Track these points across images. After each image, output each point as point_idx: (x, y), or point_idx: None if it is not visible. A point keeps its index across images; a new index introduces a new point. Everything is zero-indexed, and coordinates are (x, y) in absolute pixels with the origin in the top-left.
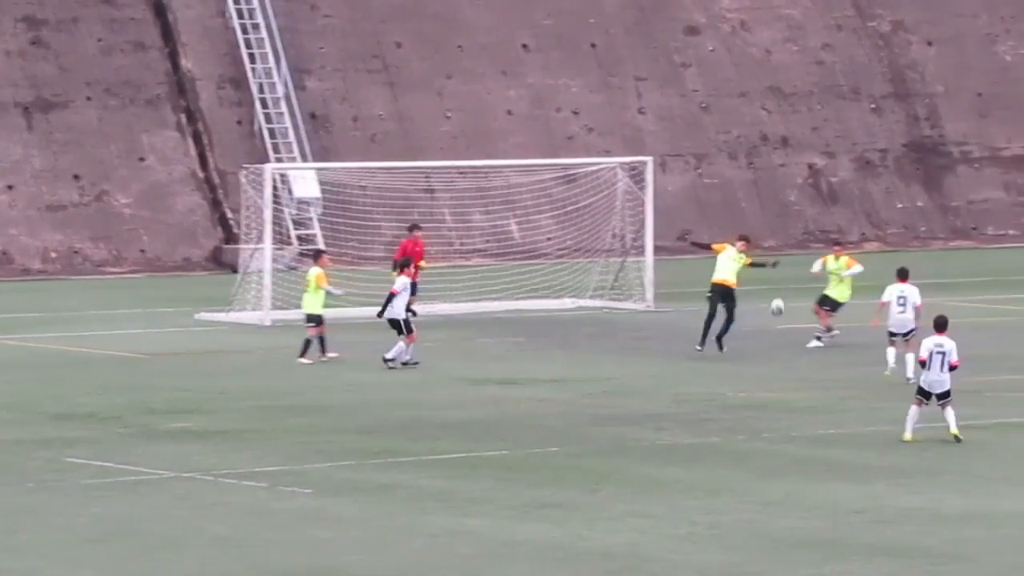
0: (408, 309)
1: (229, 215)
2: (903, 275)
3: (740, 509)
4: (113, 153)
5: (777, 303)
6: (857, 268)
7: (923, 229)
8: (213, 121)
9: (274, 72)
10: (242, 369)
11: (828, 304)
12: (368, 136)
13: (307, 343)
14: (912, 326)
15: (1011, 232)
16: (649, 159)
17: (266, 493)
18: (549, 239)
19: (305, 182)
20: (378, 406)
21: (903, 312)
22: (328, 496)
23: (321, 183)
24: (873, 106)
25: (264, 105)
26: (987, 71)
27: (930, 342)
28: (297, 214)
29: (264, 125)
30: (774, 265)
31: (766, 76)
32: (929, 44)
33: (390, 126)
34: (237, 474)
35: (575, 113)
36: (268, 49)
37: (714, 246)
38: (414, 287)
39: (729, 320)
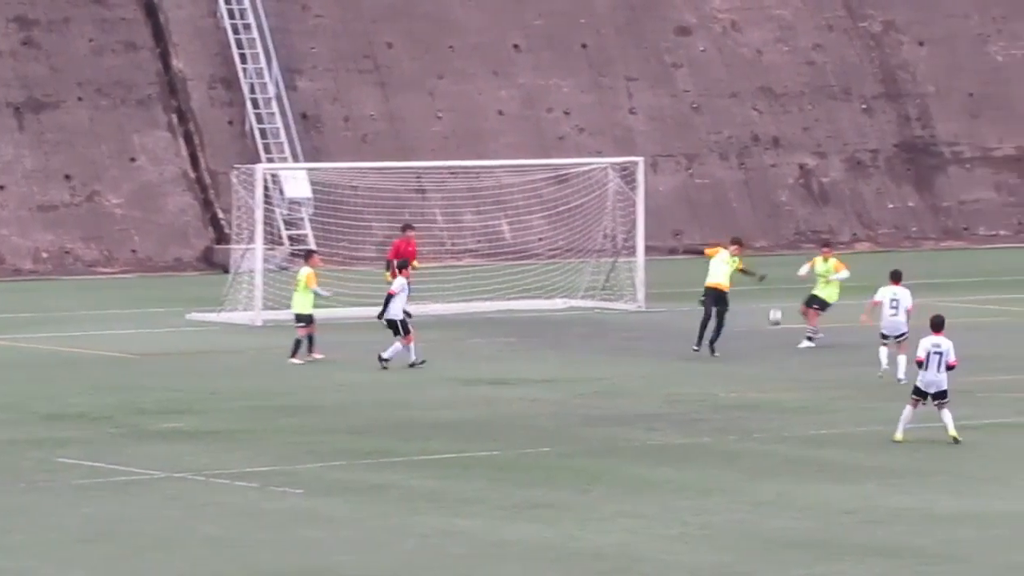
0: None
1: (220, 215)
2: (896, 277)
3: (731, 509)
4: (104, 153)
5: (775, 314)
6: (844, 273)
7: (914, 229)
8: (204, 121)
9: (265, 72)
10: (233, 369)
11: (817, 303)
12: (359, 136)
13: (297, 343)
14: (904, 329)
15: (1002, 232)
16: (640, 159)
17: (257, 493)
18: (540, 239)
19: (296, 182)
20: (369, 406)
21: (895, 315)
22: (319, 496)
23: (312, 183)
24: (864, 106)
25: (255, 105)
26: (978, 71)
27: (927, 342)
28: (288, 214)
29: (255, 125)
30: (761, 279)
31: (757, 76)
32: (920, 44)
33: (381, 126)
34: (228, 474)
35: (566, 113)
36: (259, 49)
37: (707, 251)
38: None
39: (720, 326)
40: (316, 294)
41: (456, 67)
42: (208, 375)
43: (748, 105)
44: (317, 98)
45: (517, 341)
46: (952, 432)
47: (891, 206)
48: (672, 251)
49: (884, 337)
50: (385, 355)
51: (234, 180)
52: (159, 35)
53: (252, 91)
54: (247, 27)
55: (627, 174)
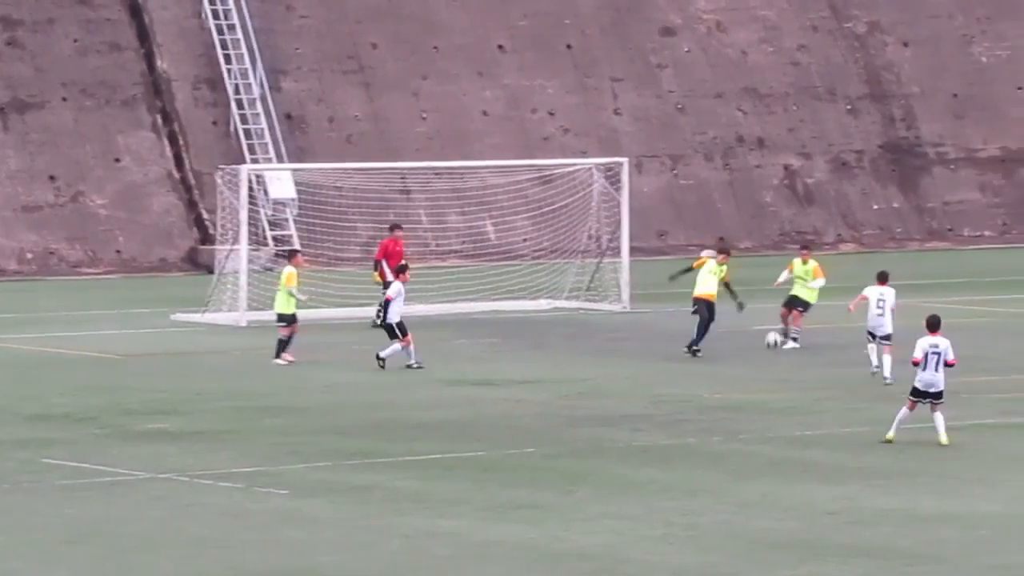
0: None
1: (205, 216)
2: (883, 278)
3: (717, 510)
4: (89, 154)
5: (772, 336)
6: (821, 281)
7: (899, 230)
8: (189, 122)
9: (250, 73)
10: (218, 370)
11: (800, 305)
12: (344, 137)
13: (281, 343)
14: (889, 330)
15: (987, 233)
16: (625, 160)
17: (242, 494)
18: (525, 240)
19: (281, 183)
20: (354, 407)
21: (881, 315)
22: (304, 497)
23: (297, 184)
24: (849, 107)
25: (240, 106)
26: (963, 72)
27: (924, 342)
28: (273, 215)
29: (240, 126)
30: (740, 307)
31: (742, 77)
32: (905, 45)
33: (366, 127)
34: (213, 475)
35: (551, 114)
36: (244, 50)
37: (695, 264)
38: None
39: (704, 331)
40: (290, 294)
41: (441, 68)
42: (193, 376)
43: (733, 106)
44: (302, 99)
45: (502, 342)
46: (943, 439)
47: (876, 207)
48: (660, 251)
49: (871, 336)
50: (383, 354)
51: (219, 181)
52: (144, 36)
53: (237, 92)
54: (232, 28)
55: (612, 175)
